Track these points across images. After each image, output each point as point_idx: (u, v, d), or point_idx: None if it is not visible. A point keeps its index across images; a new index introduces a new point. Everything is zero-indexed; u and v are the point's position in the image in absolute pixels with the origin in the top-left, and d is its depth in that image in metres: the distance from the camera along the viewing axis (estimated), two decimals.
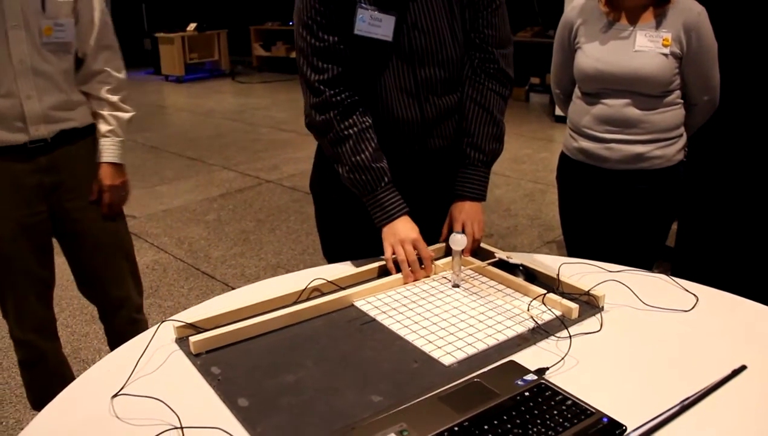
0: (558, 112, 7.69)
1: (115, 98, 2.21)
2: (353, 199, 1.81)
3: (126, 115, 2.24)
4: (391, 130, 1.79)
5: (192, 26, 11.88)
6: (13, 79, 1.94)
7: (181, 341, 1.37)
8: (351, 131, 1.73)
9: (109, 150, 2.21)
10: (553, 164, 2.59)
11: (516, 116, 8.06)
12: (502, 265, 1.69)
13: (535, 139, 7.06)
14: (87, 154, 2.18)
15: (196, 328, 1.39)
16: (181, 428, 1.10)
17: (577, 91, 2.37)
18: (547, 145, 6.79)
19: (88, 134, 2.18)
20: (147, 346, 1.36)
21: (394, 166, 1.78)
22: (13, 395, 2.82)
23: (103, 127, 2.20)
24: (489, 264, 1.69)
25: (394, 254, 1.68)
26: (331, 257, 1.98)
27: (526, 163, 6.13)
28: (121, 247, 2.31)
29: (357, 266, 1.75)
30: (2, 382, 2.90)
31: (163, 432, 1.09)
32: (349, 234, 1.93)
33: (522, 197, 5.27)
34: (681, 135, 2.29)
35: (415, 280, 1.65)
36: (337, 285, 1.61)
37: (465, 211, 1.82)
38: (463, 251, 1.64)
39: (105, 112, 2.20)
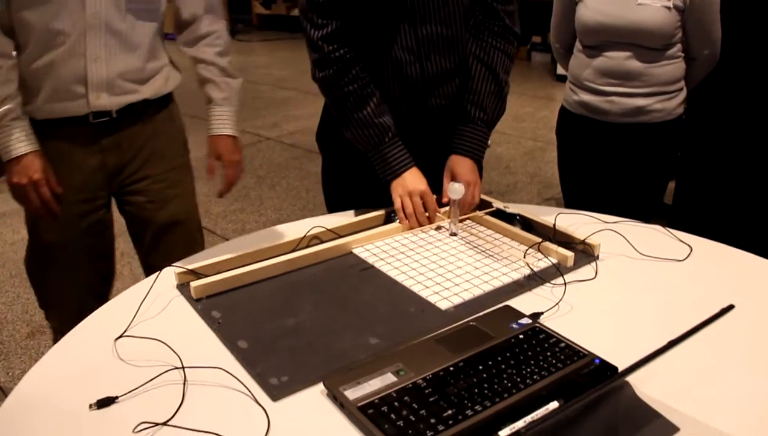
0: (559, 71, 7.64)
1: (224, 62, 2.00)
2: (360, 150, 1.82)
3: (237, 82, 2.03)
4: (391, 88, 1.78)
5: None
6: (83, 34, 1.69)
7: (182, 287, 1.39)
8: (351, 87, 1.73)
9: (227, 121, 1.98)
10: (554, 123, 2.59)
11: (517, 75, 8.00)
12: (500, 214, 1.71)
13: (536, 97, 7.04)
14: (161, 130, 1.95)
15: (196, 274, 1.41)
16: (183, 368, 1.12)
17: (577, 45, 2.36)
18: (548, 104, 6.76)
19: (162, 106, 1.95)
20: (149, 291, 1.38)
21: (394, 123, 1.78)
22: (18, 347, 2.86)
23: (217, 95, 1.97)
24: (486, 214, 1.71)
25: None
26: (335, 210, 1.99)
27: (527, 121, 6.12)
28: (186, 227, 2.05)
29: (356, 215, 1.77)
30: (8, 335, 2.94)
31: (165, 372, 1.11)
32: (354, 186, 1.93)
33: (522, 155, 5.27)
34: (681, 89, 2.29)
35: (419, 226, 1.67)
36: (335, 233, 1.63)
37: (461, 166, 1.78)
38: (460, 203, 1.65)
39: (217, 79, 1.98)
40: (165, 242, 2.00)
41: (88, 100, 1.76)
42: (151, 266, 2.04)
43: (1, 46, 1.67)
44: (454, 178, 1.77)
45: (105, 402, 1.04)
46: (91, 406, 1.03)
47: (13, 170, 1.70)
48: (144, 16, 1.80)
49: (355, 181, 1.93)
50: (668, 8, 2.12)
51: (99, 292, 1.98)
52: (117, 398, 1.05)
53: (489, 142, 2.04)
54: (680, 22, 2.17)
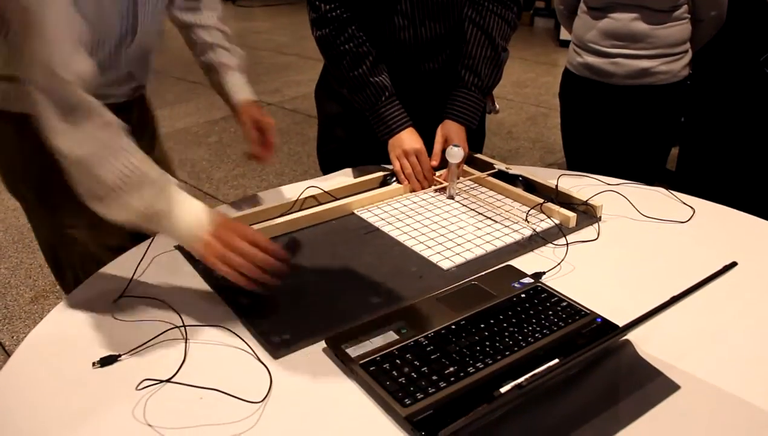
0: (562, 36, 7.58)
1: (226, 28, 1.82)
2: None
3: (242, 53, 1.83)
4: (384, 51, 1.77)
5: None
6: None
7: (182, 248, 1.38)
8: (347, 46, 1.72)
9: (247, 86, 1.77)
10: (556, 89, 2.57)
11: (520, 40, 7.93)
12: (502, 176, 1.70)
13: (538, 63, 6.98)
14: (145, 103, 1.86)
15: None
16: (184, 326, 1.12)
17: (582, 6, 2.33)
18: (551, 70, 6.71)
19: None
20: (147, 249, 1.38)
21: (390, 50, 1.78)
22: (22, 311, 2.87)
23: (231, 61, 1.78)
24: (488, 175, 1.70)
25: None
26: (329, 167, 1.98)
27: (529, 87, 6.07)
28: None
29: (356, 174, 1.77)
30: (11, 299, 2.95)
31: (166, 330, 1.12)
32: (349, 143, 1.93)
33: (524, 121, 5.24)
34: (687, 51, 2.27)
35: (421, 189, 1.67)
36: (333, 196, 1.62)
37: (451, 131, 1.75)
38: (459, 162, 1.64)
39: (226, 44, 1.80)
40: None
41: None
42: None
43: None
44: (448, 142, 1.76)
45: (108, 360, 1.04)
46: (94, 364, 1.03)
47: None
48: None
49: (350, 138, 1.93)
50: None
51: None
52: (120, 356, 1.05)
53: (497, 107, 2.03)
54: None
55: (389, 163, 1.75)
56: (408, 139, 1.71)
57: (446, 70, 1.84)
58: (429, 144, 1.76)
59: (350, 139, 1.93)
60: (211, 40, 1.83)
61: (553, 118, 5.16)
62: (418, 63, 1.81)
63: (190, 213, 1.16)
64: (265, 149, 1.69)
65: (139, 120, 1.77)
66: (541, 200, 1.53)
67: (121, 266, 1.34)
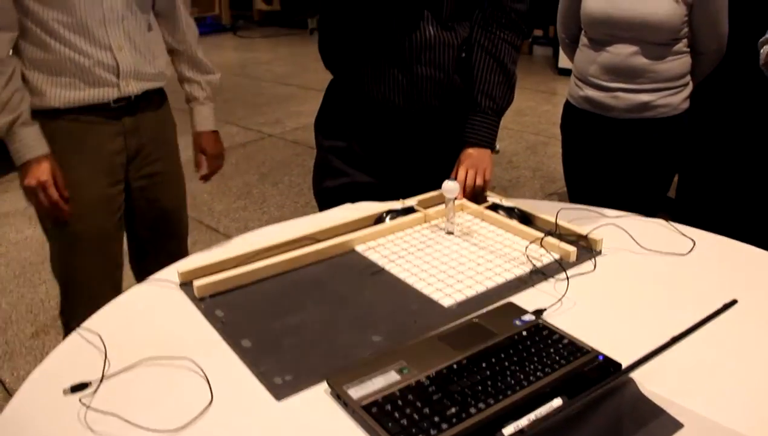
0: (561, 64, 7.63)
1: (201, 56, 2.13)
2: (355, 134, 1.88)
3: (216, 78, 2.17)
4: (378, 54, 1.81)
5: None
6: (104, 27, 1.79)
7: (185, 286, 1.39)
8: None
9: (209, 117, 2.15)
10: (556, 117, 2.58)
11: (519, 69, 7.84)
12: (497, 209, 1.70)
13: (538, 91, 7.02)
14: (165, 119, 2.08)
15: (199, 273, 1.41)
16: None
17: (583, 38, 2.35)
18: (550, 98, 6.75)
19: (164, 99, 2.07)
20: (150, 289, 1.38)
21: (386, 109, 1.84)
22: (23, 347, 2.87)
23: (199, 94, 2.14)
24: (484, 208, 1.70)
25: None
26: (326, 200, 2.00)
27: (529, 115, 6.11)
28: (183, 213, 2.19)
29: (352, 206, 1.79)
30: (12, 335, 2.95)
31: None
32: (345, 174, 1.96)
33: (524, 150, 5.26)
34: (687, 84, 2.29)
35: None
36: (337, 232, 1.63)
37: (470, 157, 1.85)
38: (456, 197, 1.65)
39: (198, 78, 2.13)
40: (166, 223, 2.12)
41: (119, 87, 1.85)
42: (147, 253, 2.15)
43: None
44: (460, 170, 1.83)
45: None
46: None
47: (24, 173, 1.78)
48: (143, 4, 1.90)
49: (349, 173, 1.95)
50: (676, 1, 2.11)
51: (114, 281, 2.01)
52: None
53: (498, 146, 2.07)
54: (687, 17, 2.16)
55: (389, 198, 1.76)
56: None
57: (445, 87, 1.87)
58: (437, 170, 1.80)
59: (349, 175, 1.94)
60: (187, 74, 2.14)
61: (553, 147, 5.18)
62: (412, 66, 1.82)
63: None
64: (198, 166, 2.19)
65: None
66: (540, 235, 1.54)
67: (125, 304, 1.34)
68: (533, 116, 6.09)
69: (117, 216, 1.97)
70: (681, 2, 2.11)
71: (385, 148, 1.90)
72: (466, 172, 1.83)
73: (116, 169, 1.93)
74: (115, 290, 1.97)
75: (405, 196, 1.77)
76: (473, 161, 1.84)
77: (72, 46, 1.76)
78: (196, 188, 4.59)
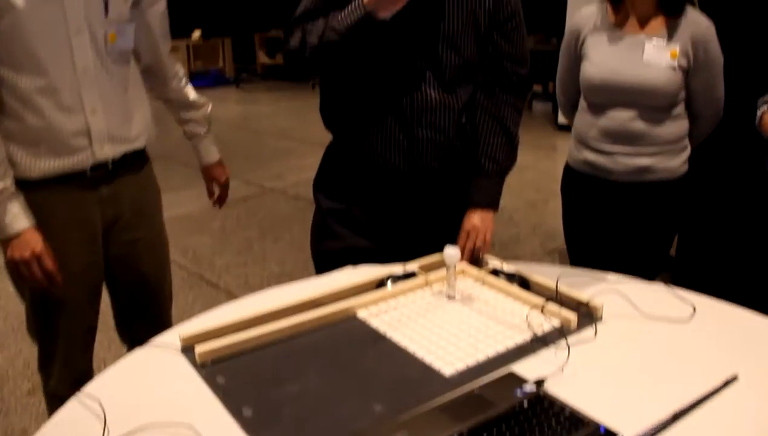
0: (561, 120, 7.70)
1: (194, 95, 2.19)
2: (355, 196, 1.91)
3: (209, 108, 2.25)
4: (380, 115, 1.84)
5: (197, 33, 11.91)
6: (77, 90, 1.74)
7: (187, 351, 1.39)
8: (309, 26, 1.78)
9: (212, 149, 2.27)
10: (556, 173, 2.61)
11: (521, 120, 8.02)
12: (498, 274, 1.71)
13: (537, 147, 7.08)
14: (146, 182, 2.03)
15: (201, 338, 1.41)
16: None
17: (582, 102, 2.38)
18: (550, 154, 6.81)
19: (146, 161, 2.03)
20: (151, 354, 1.38)
21: (386, 172, 1.87)
22: (19, 404, 2.84)
23: (198, 130, 2.22)
24: (485, 273, 1.71)
25: None
26: (323, 262, 2.01)
27: (529, 171, 6.15)
28: (167, 278, 2.16)
29: (353, 269, 1.79)
30: (8, 392, 2.93)
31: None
32: (345, 237, 1.96)
33: (524, 206, 5.29)
34: (685, 147, 2.32)
35: None
36: (339, 296, 1.63)
37: (473, 220, 1.87)
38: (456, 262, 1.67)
39: (195, 116, 2.20)
40: (149, 289, 2.08)
41: (92, 152, 1.81)
42: (129, 317, 2.12)
43: None
44: (462, 234, 1.85)
45: None
46: None
47: (13, 246, 1.72)
48: (120, 59, 1.86)
49: (348, 235, 1.95)
50: (673, 68, 2.15)
51: (87, 344, 1.99)
52: None
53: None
54: (684, 82, 2.20)
55: (388, 261, 1.77)
56: None
57: (447, 151, 1.90)
58: (439, 233, 1.83)
59: (347, 238, 1.95)
60: (184, 116, 2.19)
61: (553, 204, 5.20)
62: (413, 129, 1.85)
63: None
64: (212, 196, 2.36)
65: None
66: (541, 302, 1.54)
67: (126, 369, 1.34)
68: (533, 172, 6.13)
69: (95, 283, 1.94)
70: (677, 68, 2.15)
71: (385, 211, 1.92)
72: (467, 235, 1.85)
73: (93, 238, 1.89)
74: (88, 351, 1.99)
75: (404, 259, 1.78)
76: (475, 224, 1.87)
77: (42, 114, 1.71)
78: (197, 243, 4.61)
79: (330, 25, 1.72)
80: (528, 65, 1.93)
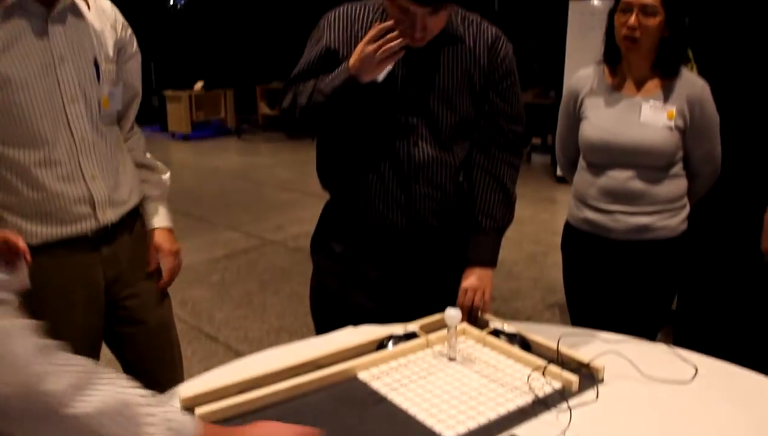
0: (560, 172, 7.72)
1: (149, 157, 2.09)
2: (354, 255, 1.91)
3: (167, 176, 2.10)
4: (377, 172, 1.86)
5: (199, 84, 12.04)
6: (77, 159, 1.74)
7: (187, 411, 1.38)
8: (301, 87, 1.82)
9: (162, 214, 2.06)
10: (555, 225, 2.63)
11: (517, 177, 8.03)
12: (499, 334, 1.71)
13: (536, 200, 7.10)
14: (140, 237, 2.00)
15: (201, 399, 1.41)
16: None
17: (581, 162, 2.41)
18: (549, 206, 6.83)
19: (137, 216, 2.00)
20: None
21: (385, 229, 1.88)
22: None
23: (153, 192, 2.05)
24: (486, 334, 1.71)
25: None
26: (321, 320, 2.01)
27: (528, 224, 6.16)
28: (172, 331, 2.12)
29: (356, 333, 1.78)
30: None
31: None
32: (344, 296, 1.96)
33: (524, 259, 5.29)
34: (684, 205, 2.33)
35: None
36: (339, 357, 1.63)
37: (471, 278, 1.88)
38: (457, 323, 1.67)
39: (150, 178, 2.06)
40: (156, 344, 2.04)
41: (96, 218, 1.79)
42: (138, 372, 1.97)
43: None
44: (460, 293, 1.86)
45: None
46: None
47: None
48: (110, 122, 1.86)
49: (343, 293, 1.95)
50: (670, 128, 2.18)
51: None
52: None
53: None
54: (681, 142, 2.23)
55: (388, 319, 1.77)
56: None
57: (443, 208, 1.92)
58: (438, 292, 1.83)
59: (346, 298, 1.95)
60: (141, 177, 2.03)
61: (552, 257, 5.19)
62: (411, 186, 1.87)
63: None
64: (150, 266, 2.00)
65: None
66: (543, 363, 1.54)
67: None
68: (532, 225, 6.14)
69: (95, 344, 1.91)
70: (675, 129, 2.18)
71: (385, 270, 1.92)
72: (465, 293, 1.86)
73: (96, 298, 1.86)
74: None
75: (404, 318, 1.78)
76: (473, 283, 1.87)
77: (42, 186, 1.71)
78: (196, 296, 4.60)
79: (318, 87, 1.77)
80: (523, 122, 1.96)
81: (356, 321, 1.84)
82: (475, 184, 1.94)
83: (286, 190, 8.03)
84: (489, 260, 1.92)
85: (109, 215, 1.83)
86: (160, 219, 2.05)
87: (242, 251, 5.63)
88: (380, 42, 1.65)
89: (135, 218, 1.99)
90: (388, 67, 1.72)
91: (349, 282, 1.94)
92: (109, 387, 1.02)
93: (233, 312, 4.38)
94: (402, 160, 1.84)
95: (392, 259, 1.91)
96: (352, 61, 1.70)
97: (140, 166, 2.05)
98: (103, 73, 1.78)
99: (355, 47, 1.71)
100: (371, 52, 1.65)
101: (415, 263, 1.92)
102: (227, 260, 5.37)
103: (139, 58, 1.98)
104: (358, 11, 1.85)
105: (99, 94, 1.78)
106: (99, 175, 1.79)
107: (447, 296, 1.81)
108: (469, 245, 1.92)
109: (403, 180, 1.85)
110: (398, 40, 1.65)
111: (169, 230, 2.08)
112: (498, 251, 1.95)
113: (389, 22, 1.66)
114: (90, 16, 1.79)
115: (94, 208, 1.79)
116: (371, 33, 1.66)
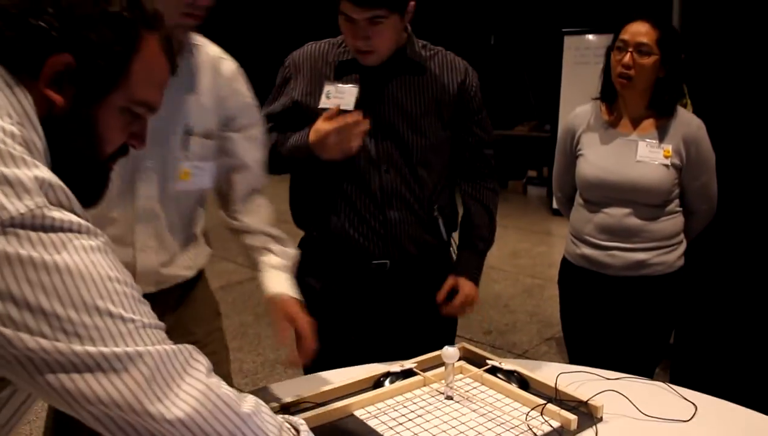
0: (555, 204, 7.73)
1: (277, 231, 1.85)
2: (332, 292, 1.98)
3: (293, 251, 1.84)
4: (351, 201, 1.92)
5: None
6: (131, 225, 1.58)
7: None
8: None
9: (291, 284, 1.74)
10: (551, 258, 2.63)
11: (514, 209, 8.13)
12: (496, 372, 1.69)
13: (533, 232, 7.10)
14: (198, 293, 1.86)
15: None
16: None
17: (578, 198, 2.41)
18: (545, 239, 6.82)
19: (194, 282, 1.82)
20: None
21: (363, 261, 1.94)
22: None
23: (273, 260, 1.77)
24: (483, 372, 1.70)
25: None
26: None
27: (524, 257, 6.15)
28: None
29: (349, 372, 1.77)
30: None
31: None
32: (326, 331, 1.92)
33: (521, 293, 5.28)
34: (681, 242, 2.34)
35: None
36: (335, 395, 1.61)
37: (467, 287, 2.01)
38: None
39: (271, 246, 1.81)
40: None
41: None
42: None
43: None
44: (455, 298, 1.97)
45: None
46: None
47: None
48: (186, 196, 1.70)
49: (329, 325, 1.92)
50: (666, 166, 2.19)
51: None
52: None
53: None
54: (678, 179, 2.24)
55: (375, 354, 1.77)
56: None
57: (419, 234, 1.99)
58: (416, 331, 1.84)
59: (330, 339, 1.89)
60: (255, 243, 1.83)
61: (549, 290, 5.18)
62: (385, 211, 1.93)
63: None
64: (300, 354, 1.63)
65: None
66: (540, 401, 1.53)
67: None
68: (528, 258, 6.12)
69: None
70: (671, 167, 2.20)
71: (365, 306, 1.94)
72: (465, 297, 1.99)
73: None
74: None
75: (390, 353, 1.79)
76: (472, 290, 2.03)
77: None
78: None
79: (282, 143, 1.89)
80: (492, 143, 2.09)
81: (341, 357, 1.83)
82: (465, 210, 2.08)
83: (280, 221, 7.95)
84: (477, 276, 2.08)
85: (149, 289, 1.61)
86: (291, 288, 1.73)
87: (237, 282, 5.60)
88: (337, 125, 1.72)
89: (191, 284, 1.82)
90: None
91: (329, 319, 1.92)
92: None
93: (228, 344, 4.34)
94: (375, 186, 1.89)
95: (371, 294, 1.94)
96: (311, 136, 1.78)
97: (260, 233, 1.84)
98: (192, 145, 1.63)
99: (320, 86, 1.84)
100: (328, 134, 1.74)
101: (396, 300, 1.95)
102: (222, 291, 5.33)
103: (255, 132, 1.81)
104: (321, 48, 1.94)
105: (178, 166, 1.61)
106: (154, 246, 1.63)
107: (430, 330, 1.85)
108: (460, 260, 2.08)
109: (377, 206, 1.90)
110: (358, 127, 1.72)
111: (297, 300, 1.73)
112: (482, 269, 2.11)
113: (349, 107, 1.79)
114: (199, 78, 1.65)
115: (134, 277, 1.63)
116: (328, 112, 1.76)
